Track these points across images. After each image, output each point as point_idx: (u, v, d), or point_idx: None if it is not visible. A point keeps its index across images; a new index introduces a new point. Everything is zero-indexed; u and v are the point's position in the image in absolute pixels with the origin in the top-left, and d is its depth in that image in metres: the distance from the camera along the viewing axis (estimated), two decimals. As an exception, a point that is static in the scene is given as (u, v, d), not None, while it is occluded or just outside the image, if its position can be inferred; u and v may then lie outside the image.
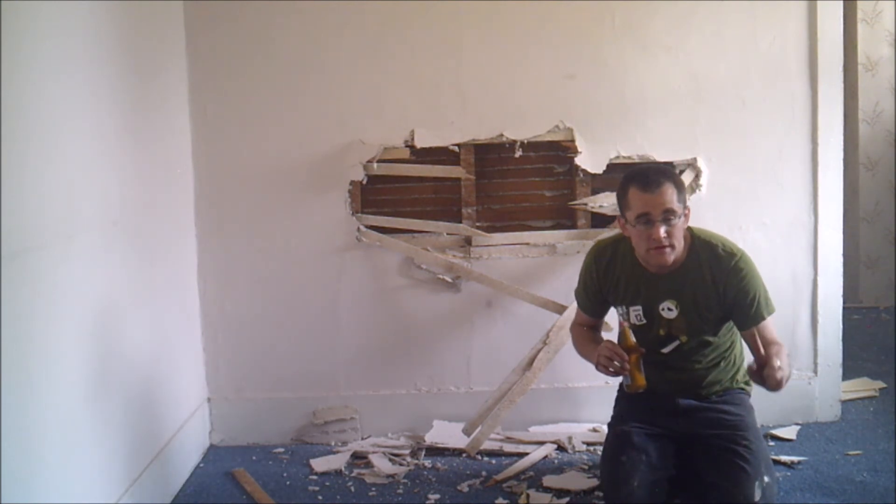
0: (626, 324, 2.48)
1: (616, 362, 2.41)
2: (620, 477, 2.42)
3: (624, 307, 2.56)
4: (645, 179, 2.41)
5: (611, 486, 2.47)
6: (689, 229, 2.52)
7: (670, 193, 2.37)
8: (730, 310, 2.48)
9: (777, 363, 2.24)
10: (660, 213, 2.36)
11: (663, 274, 2.51)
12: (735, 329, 2.57)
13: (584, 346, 2.68)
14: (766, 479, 2.34)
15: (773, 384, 2.27)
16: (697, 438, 2.50)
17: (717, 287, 2.46)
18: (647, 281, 2.53)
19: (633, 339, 2.43)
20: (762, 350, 2.33)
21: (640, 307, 2.54)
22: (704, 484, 2.41)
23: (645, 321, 2.54)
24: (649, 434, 2.52)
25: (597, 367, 2.49)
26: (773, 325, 2.48)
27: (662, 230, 2.37)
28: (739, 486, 2.32)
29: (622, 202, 2.47)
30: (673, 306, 2.50)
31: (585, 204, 3.37)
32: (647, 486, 2.41)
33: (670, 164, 3.26)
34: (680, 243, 2.44)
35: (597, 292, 2.66)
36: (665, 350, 2.54)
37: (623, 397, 2.72)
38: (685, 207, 2.44)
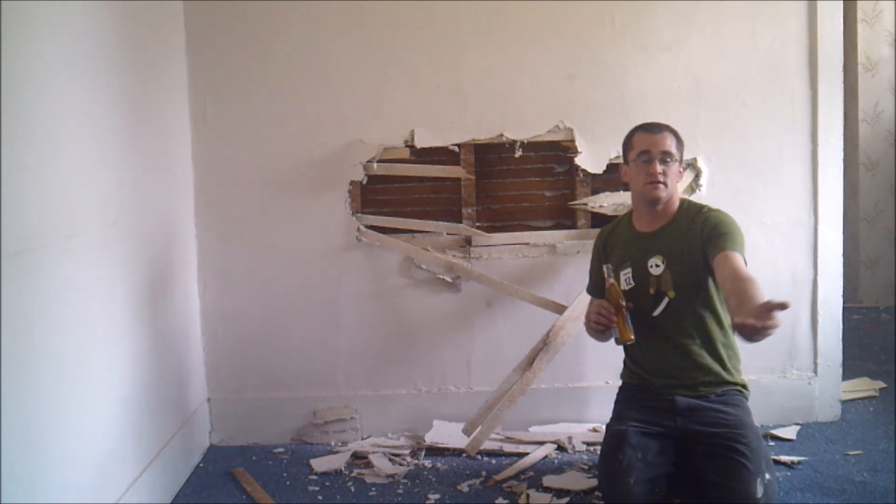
0: (611, 280, 2.59)
1: (603, 315, 2.55)
2: (618, 475, 2.45)
3: (611, 266, 2.65)
4: (649, 125, 2.69)
5: (608, 484, 2.49)
6: (681, 198, 2.71)
7: (670, 140, 2.63)
8: (705, 246, 2.53)
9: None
10: (658, 153, 2.60)
11: (653, 231, 2.66)
12: (728, 319, 2.58)
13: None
14: (766, 476, 2.35)
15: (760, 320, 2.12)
16: (696, 437, 2.51)
17: (694, 228, 2.59)
18: (638, 240, 2.69)
19: (620, 295, 2.56)
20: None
21: (629, 269, 2.65)
22: (705, 482, 2.42)
23: (634, 283, 2.65)
24: (647, 433, 2.53)
25: (588, 326, 2.68)
26: (741, 261, 2.44)
27: (659, 167, 2.59)
28: (741, 484, 2.34)
29: (627, 146, 2.70)
30: (660, 262, 2.62)
31: (585, 204, 3.37)
32: (643, 483, 2.43)
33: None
34: (673, 187, 2.63)
35: (599, 268, 2.77)
36: (656, 312, 2.61)
37: (623, 398, 2.73)
38: (681, 163, 2.66)
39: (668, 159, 2.60)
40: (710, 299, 2.60)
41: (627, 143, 2.70)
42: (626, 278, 2.66)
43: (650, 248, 2.65)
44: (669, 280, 2.60)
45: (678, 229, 2.63)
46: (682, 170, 2.68)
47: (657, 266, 2.62)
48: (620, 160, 3.29)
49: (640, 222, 2.71)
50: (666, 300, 2.60)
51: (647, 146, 2.61)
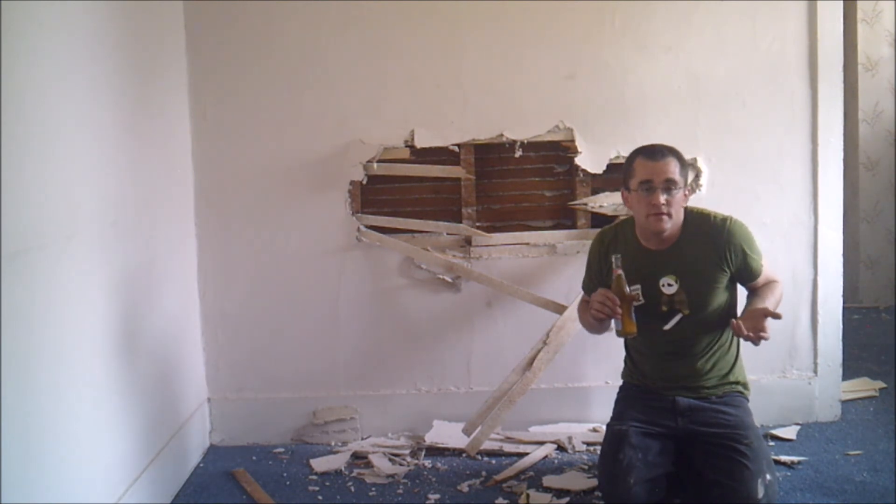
0: (619, 271, 2.50)
1: (607, 306, 2.46)
2: (618, 475, 2.45)
3: (620, 256, 2.54)
4: (651, 150, 2.55)
5: (608, 484, 2.49)
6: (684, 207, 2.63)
7: (673, 165, 2.50)
8: (731, 269, 2.57)
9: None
10: (661, 182, 2.48)
11: (662, 250, 2.58)
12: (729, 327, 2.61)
13: (586, 313, 2.72)
14: (767, 476, 2.36)
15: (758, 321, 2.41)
16: (697, 437, 2.52)
17: (719, 252, 2.55)
18: (647, 258, 2.59)
19: (626, 287, 2.48)
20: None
21: (639, 286, 2.56)
22: (706, 482, 2.42)
23: (643, 301, 2.56)
24: (647, 433, 2.54)
25: (584, 316, 2.61)
26: (767, 266, 2.63)
27: (662, 198, 2.48)
28: (742, 484, 2.34)
29: (627, 172, 2.58)
30: (672, 281, 2.56)
31: (585, 204, 3.37)
32: (644, 483, 2.43)
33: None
34: (678, 215, 2.54)
35: (598, 272, 2.71)
36: (668, 326, 2.57)
37: (623, 397, 2.73)
38: (686, 185, 2.55)
39: (672, 187, 2.48)
40: (724, 313, 2.60)
41: (628, 169, 2.57)
42: (635, 295, 2.54)
43: (660, 266, 2.57)
44: (684, 299, 2.55)
45: (693, 248, 2.56)
46: (687, 192, 2.56)
47: (670, 285, 2.55)
48: (620, 160, 3.31)
49: (646, 240, 2.60)
50: (679, 316, 2.57)
51: (648, 175, 2.48)
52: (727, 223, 2.57)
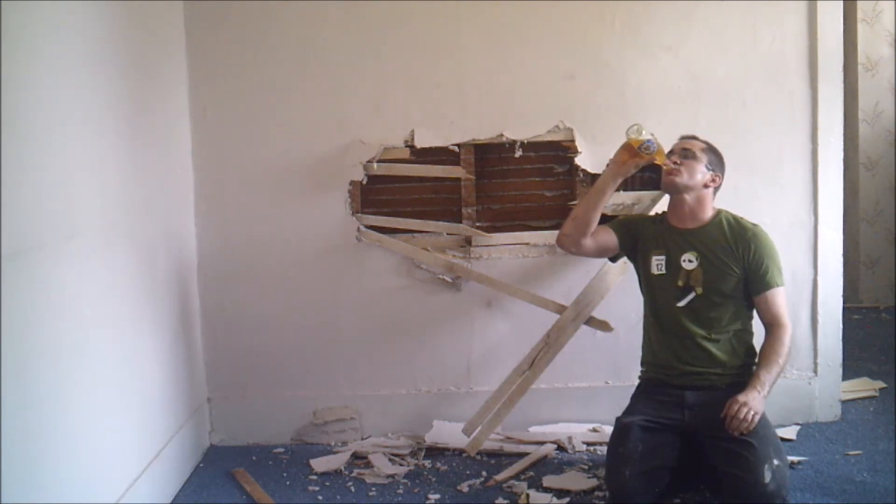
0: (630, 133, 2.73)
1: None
2: (616, 467, 2.59)
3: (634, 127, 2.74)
4: (684, 136, 2.91)
5: (608, 475, 2.66)
6: (718, 209, 2.85)
7: (697, 145, 2.81)
8: (745, 271, 2.73)
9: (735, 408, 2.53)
10: (679, 149, 2.81)
11: (689, 229, 2.79)
12: (746, 320, 2.76)
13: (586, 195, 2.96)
14: (775, 461, 2.45)
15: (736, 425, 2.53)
16: (705, 428, 2.60)
17: (738, 249, 2.74)
18: (674, 234, 2.82)
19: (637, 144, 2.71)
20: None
21: (663, 256, 2.79)
22: (718, 473, 2.54)
23: (665, 272, 2.78)
24: (652, 427, 2.65)
25: (612, 167, 2.85)
26: (782, 298, 2.76)
27: (676, 157, 2.77)
28: (749, 471, 2.45)
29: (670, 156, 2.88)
30: (693, 258, 2.76)
31: (585, 204, 3.37)
32: (640, 476, 2.54)
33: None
34: (692, 178, 2.76)
35: (629, 222, 2.95)
36: (681, 303, 2.73)
37: (637, 394, 2.83)
38: (711, 170, 2.79)
39: (688, 155, 2.76)
40: (735, 304, 2.73)
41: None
42: (657, 264, 2.78)
43: (685, 242, 2.78)
44: (700, 277, 2.72)
45: (716, 234, 2.76)
46: (712, 177, 2.78)
47: (690, 261, 2.75)
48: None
49: (674, 218, 2.83)
50: (693, 295, 2.72)
51: (674, 148, 2.82)
52: (756, 227, 2.78)
